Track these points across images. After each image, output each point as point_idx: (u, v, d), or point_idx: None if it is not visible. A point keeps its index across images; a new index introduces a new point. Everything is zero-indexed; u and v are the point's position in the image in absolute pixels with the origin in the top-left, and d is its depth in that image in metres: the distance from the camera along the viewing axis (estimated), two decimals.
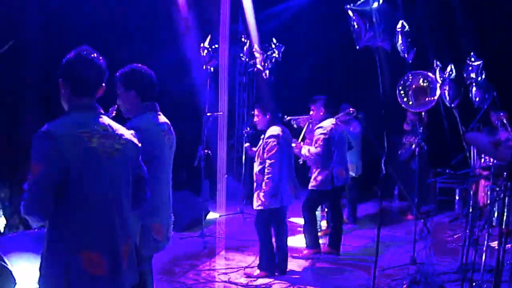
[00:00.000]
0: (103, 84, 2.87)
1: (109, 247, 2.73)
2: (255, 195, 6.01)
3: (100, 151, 2.71)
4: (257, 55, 9.91)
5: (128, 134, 2.93)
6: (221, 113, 9.57)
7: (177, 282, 5.80)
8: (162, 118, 3.79)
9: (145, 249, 3.56)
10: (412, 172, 7.95)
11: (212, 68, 8.12)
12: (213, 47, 8.00)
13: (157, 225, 3.64)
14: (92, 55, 2.81)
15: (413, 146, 7.82)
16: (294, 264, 6.45)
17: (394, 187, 10.34)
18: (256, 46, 10.24)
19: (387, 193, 10.27)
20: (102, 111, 2.89)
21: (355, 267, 6.44)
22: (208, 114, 7.91)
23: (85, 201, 2.67)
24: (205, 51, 7.93)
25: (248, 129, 9.51)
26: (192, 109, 9.83)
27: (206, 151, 7.69)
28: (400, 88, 6.28)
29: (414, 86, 6.25)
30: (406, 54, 6.23)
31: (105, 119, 2.86)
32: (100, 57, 2.85)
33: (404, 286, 5.35)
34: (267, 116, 6.05)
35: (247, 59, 10.21)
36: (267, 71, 9.79)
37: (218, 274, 6.13)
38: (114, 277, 2.73)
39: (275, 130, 5.95)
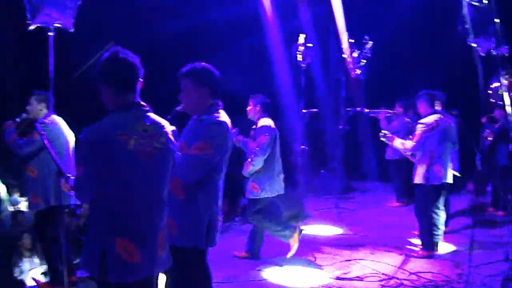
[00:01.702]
0: (141, 79, 2.97)
1: (144, 237, 2.87)
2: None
3: (137, 152, 2.81)
4: (348, 52, 9.99)
5: (169, 131, 3.04)
6: (316, 110, 9.77)
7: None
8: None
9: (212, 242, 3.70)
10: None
11: (306, 66, 8.29)
12: (307, 45, 8.17)
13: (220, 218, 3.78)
14: (124, 55, 2.92)
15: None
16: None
17: (487, 183, 10.16)
18: (346, 43, 10.30)
19: (480, 190, 10.07)
20: (147, 108, 2.98)
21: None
22: (304, 111, 8.13)
23: (122, 195, 2.81)
24: (300, 48, 8.12)
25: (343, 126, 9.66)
26: (289, 106, 10.06)
27: (302, 146, 7.93)
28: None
29: None
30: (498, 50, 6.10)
31: (151, 117, 2.98)
32: (133, 56, 2.94)
33: (499, 283, 5.35)
34: (257, 108, 6.12)
35: (341, 56, 10.31)
36: (358, 69, 9.87)
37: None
38: (148, 264, 2.88)
39: (266, 121, 6.02)
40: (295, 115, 8.42)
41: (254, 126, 6.08)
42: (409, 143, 6.58)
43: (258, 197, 6.02)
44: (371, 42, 9.75)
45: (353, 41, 9.93)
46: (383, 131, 6.88)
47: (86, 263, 2.90)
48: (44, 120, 5.49)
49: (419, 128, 6.52)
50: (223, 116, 3.69)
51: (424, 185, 6.48)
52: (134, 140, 2.81)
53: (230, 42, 10.21)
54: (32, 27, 5.41)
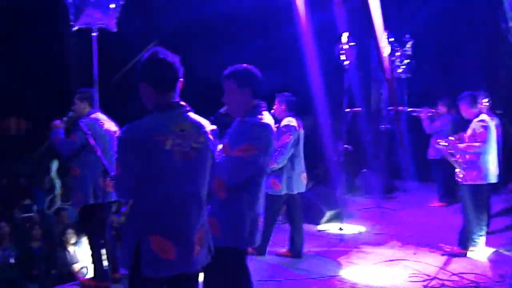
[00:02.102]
0: (181, 79, 2.99)
1: (180, 234, 2.90)
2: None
3: (174, 153, 2.84)
4: (388, 51, 9.96)
5: (209, 131, 3.05)
6: (359, 109, 9.78)
7: None
8: None
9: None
10: None
11: (348, 64, 8.28)
12: (349, 44, 8.16)
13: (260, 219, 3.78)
14: (164, 55, 2.94)
15: None
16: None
17: None
18: (385, 42, 10.25)
19: None
20: (187, 108, 3.00)
21: None
22: (347, 110, 8.14)
23: (159, 194, 2.85)
24: (344, 47, 8.12)
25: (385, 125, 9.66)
26: (332, 105, 10.08)
27: (345, 146, 7.95)
28: None
29: None
30: None
31: (191, 116, 3.00)
32: (173, 55, 2.97)
33: None
34: (282, 106, 6.23)
35: (384, 55, 10.28)
36: (399, 68, 9.84)
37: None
38: (182, 261, 2.92)
39: (290, 120, 6.12)
40: (338, 115, 8.42)
41: (277, 125, 6.07)
42: (476, 144, 6.40)
43: (279, 194, 6.16)
44: (411, 41, 9.71)
45: (393, 39, 9.91)
46: (441, 141, 6.84)
47: (123, 258, 2.99)
48: (88, 117, 5.52)
49: (480, 127, 6.41)
50: (266, 117, 3.69)
51: (471, 185, 6.45)
52: (172, 140, 2.83)
53: (261, 36, 10.27)
54: (75, 28, 5.58)
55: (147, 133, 2.81)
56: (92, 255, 5.71)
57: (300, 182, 6.32)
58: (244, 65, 3.76)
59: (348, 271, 6.07)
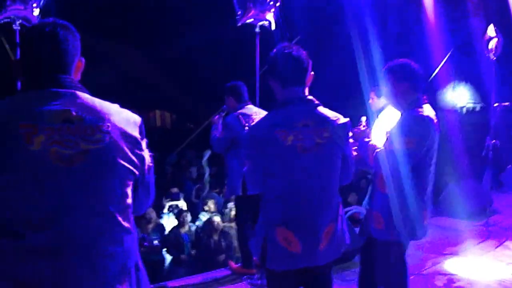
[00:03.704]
0: (309, 74, 2.94)
1: (305, 230, 2.88)
2: None
3: (295, 148, 2.81)
4: None
5: (340, 124, 2.96)
6: (507, 103, 9.43)
7: None
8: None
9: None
10: None
11: (495, 57, 8.03)
12: (495, 37, 7.91)
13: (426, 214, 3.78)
14: (290, 50, 2.91)
15: None
16: None
17: None
18: None
19: None
20: (315, 102, 2.95)
21: None
22: (496, 104, 7.92)
23: (284, 188, 2.87)
24: (492, 40, 7.89)
25: None
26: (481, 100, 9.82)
27: (493, 141, 7.74)
28: None
29: None
30: None
31: (320, 111, 2.93)
32: (300, 50, 2.93)
33: None
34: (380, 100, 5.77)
35: None
36: None
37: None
38: (308, 256, 2.90)
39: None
40: (488, 109, 8.20)
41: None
42: None
43: None
44: None
45: None
46: None
47: (254, 248, 3.06)
48: (236, 112, 5.55)
49: None
50: (427, 110, 3.67)
51: None
52: (293, 136, 2.80)
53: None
54: (239, 24, 5.80)
55: (269, 129, 2.83)
56: (240, 243, 5.87)
57: None
58: (402, 59, 3.78)
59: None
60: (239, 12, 5.58)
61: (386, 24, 11.00)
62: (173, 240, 7.93)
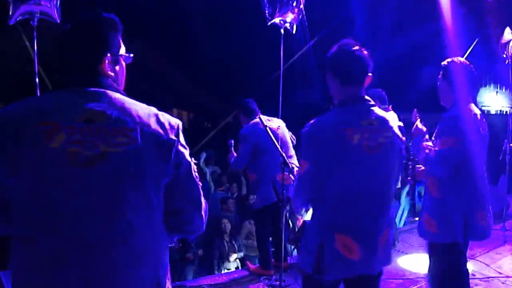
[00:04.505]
0: (369, 74, 2.86)
1: (365, 235, 2.78)
2: None
3: (361, 147, 2.72)
4: None
5: (396, 126, 2.90)
6: None
7: None
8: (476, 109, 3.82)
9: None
10: None
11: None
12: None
13: (482, 213, 3.77)
14: (354, 48, 2.84)
15: None
16: None
17: None
18: None
19: None
20: (371, 102, 2.88)
21: None
22: None
23: (345, 190, 2.75)
24: (510, 43, 7.79)
25: None
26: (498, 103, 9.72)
27: (510, 144, 7.66)
28: None
29: None
30: None
31: (376, 111, 2.87)
32: (362, 49, 2.85)
33: None
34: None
35: None
36: None
37: None
38: (365, 263, 2.80)
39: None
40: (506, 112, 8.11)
41: None
42: None
43: None
44: None
45: None
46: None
47: (304, 258, 2.92)
48: (248, 125, 5.68)
49: None
50: (468, 109, 3.72)
51: None
52: (359, 134, 2.73)
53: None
54: (269, 23, 5.76)
55: (334, 127, 2.74)
56: (260, 245, 5.86)
57: None
58: (452, 58, 3.82)
59: None
60: (267, 12, 5.52)
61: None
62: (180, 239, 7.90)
